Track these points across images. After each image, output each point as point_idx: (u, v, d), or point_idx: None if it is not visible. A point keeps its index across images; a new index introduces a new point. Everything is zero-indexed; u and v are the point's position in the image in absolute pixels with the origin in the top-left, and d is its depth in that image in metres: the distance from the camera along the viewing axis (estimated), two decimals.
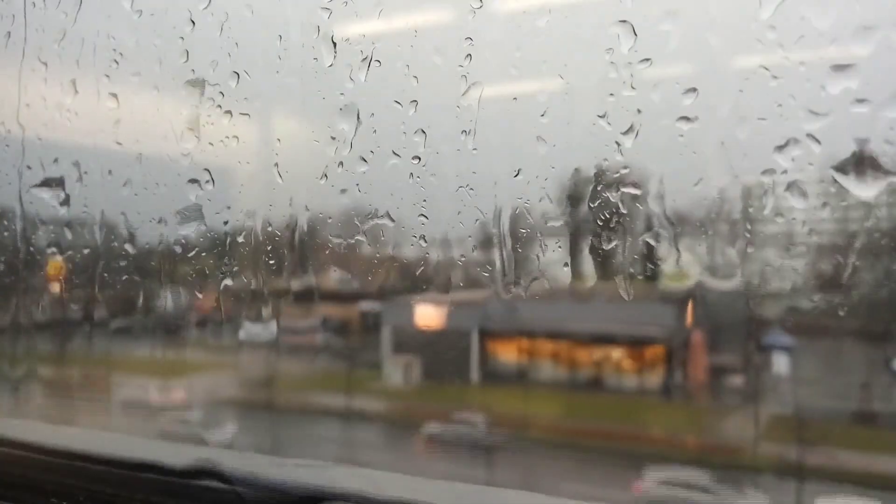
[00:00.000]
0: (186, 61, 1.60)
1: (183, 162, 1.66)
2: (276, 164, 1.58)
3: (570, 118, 1.29)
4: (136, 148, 1.73)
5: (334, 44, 1.44)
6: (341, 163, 1.49)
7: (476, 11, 1.33)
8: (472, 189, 1.39)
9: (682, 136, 1.20)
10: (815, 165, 1.12)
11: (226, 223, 1.66)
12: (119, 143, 1.74)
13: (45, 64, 1.86)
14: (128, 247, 1.79)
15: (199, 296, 1.83)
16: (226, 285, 1.72)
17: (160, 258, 1.79)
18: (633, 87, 1.22)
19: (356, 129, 1.45)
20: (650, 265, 1.33)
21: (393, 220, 1.47)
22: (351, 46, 1.43)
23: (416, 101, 1.39)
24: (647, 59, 1.20)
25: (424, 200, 1.42)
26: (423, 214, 1.43)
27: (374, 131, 1.45)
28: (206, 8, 1.56)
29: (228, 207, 1.65)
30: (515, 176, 1.34)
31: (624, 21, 1.20)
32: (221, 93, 1.57)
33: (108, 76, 1.73)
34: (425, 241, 1.46)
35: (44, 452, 1.56)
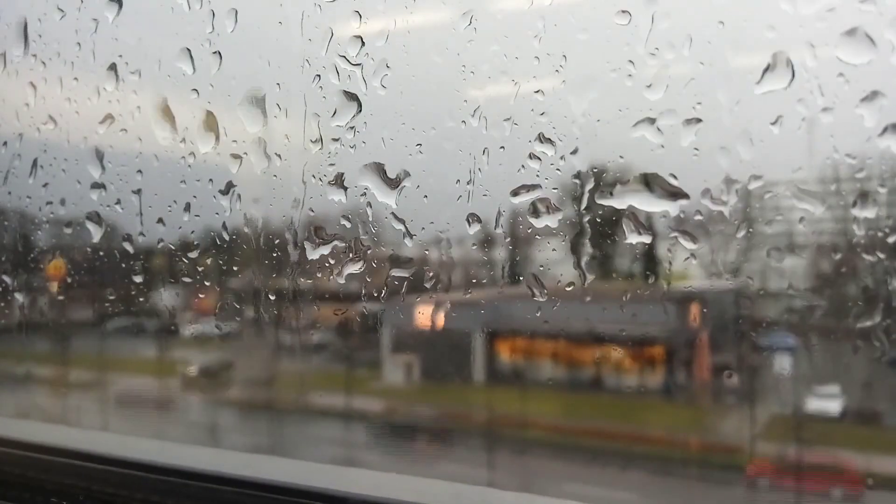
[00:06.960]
0: (186, 59, 1.60)
1: (180, 163, 1.66)
2: (277, 165, 1.58)
3: (571, 117, 1.29)
4: (137, 148, 1.73)
5: (345, 43, 1.44)
6: (342, 162, 1.49)
7: (477, 11, 1.33)
8: (472, 189, 1.39)
9: (683, 135, 1.19)
10: (816, 165, 1.12)
11: (224, 224, 1.66)
12: (118, 144, 1.74)
13: (44, 63, 1.86)
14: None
15: (198, 296, 1.83)
16: (225, 286, 1.72)
17: (161, 258, 1.79)
18: (634, 88, 1.22)
19: (357, 129, 1.45)
20: (652, 265, 1.33)
21: (394, 219, 1.47)
22: (351, 46, 1.43)
23: (416, 100, 1.38)
24: (649, 59, 1.20)
25: (425, 197, 1.42)
26: (422, 213, 1.43)
27: (375, 131, 1.44)
28: (202, 8, 1.56)
29: (227, 210, 1.65)
30: (518, 171, 1.34)
31: (627, 21, 1.20)
32: (215, 92, 1.57)
33: (107, 76, 1.73)
34: (425, 241, 1.46)
35: (44, 452, 1.56)
